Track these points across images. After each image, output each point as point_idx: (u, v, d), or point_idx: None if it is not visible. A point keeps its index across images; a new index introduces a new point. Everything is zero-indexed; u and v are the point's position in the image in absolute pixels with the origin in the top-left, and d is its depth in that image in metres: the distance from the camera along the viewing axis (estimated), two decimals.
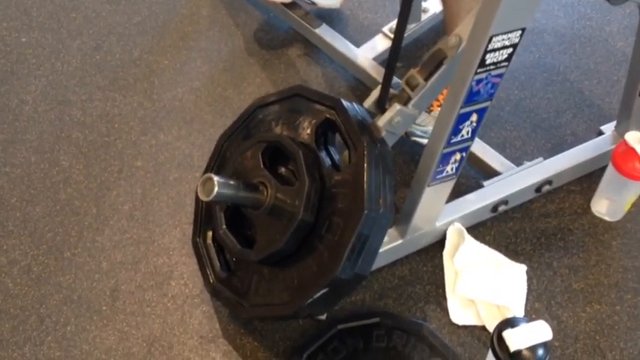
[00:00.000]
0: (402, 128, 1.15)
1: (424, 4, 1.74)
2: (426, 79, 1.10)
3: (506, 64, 1.03)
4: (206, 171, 1.27)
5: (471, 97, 1.06)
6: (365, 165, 1.05)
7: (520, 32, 0.98)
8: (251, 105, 1.25)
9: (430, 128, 1.36)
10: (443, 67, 1.08)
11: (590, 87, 1.63)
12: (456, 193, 1.33)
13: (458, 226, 1.33)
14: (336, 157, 1.15)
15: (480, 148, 1.45)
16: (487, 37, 0.96)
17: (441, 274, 1.31)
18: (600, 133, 1.50)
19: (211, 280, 1.20)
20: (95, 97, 1.63)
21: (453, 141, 1.13)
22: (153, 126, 1.57)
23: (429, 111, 1.41)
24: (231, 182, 1.06)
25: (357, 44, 1.69)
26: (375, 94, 1.16)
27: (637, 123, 1.39)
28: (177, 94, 1.64)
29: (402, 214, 1.29)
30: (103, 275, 1.32)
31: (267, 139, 1.15)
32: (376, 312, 1.24)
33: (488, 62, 1.01)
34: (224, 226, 1.14)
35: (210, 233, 1.23)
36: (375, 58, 1.65)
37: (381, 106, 1.15)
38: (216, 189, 1.01)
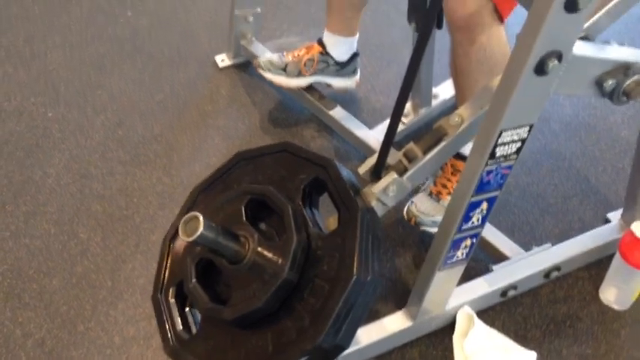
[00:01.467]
0: (394, 200, 1.13)
1: (435, 90, 1.81)
2: (425, 153, 1.11)
3: (515, 156, 1.08)
4: (174, 226, 1.19)
5: (482, 187, 1.10)
6: (358, 228, 1.00)
7: (528, 128, 1.04)
8: (233, 157, 1.19)
9: (439, 218, 1.38)
10: (442, 144, 1.10)
11: (596, 174, 1.68)
12: (466, 277, 1.35)
13: (468, 310, 1.34)
14: (319, 220, 1.10)
15: (489, 232, 1.48)
16: (497, 131, 1.01)
17: (450, 357, 1.31)
18: (607, 220, 1.53)
19: (171, 343, 1.09)
20: (116, 172, 1.68)
21: (463, 227, 1.16)
22: (170, 201, 1.61)
23: (438, 199, 1.45)
24: (216, 226, 0.99)
25: (370, 126, 1.75)
26: (370, 162, 1.15)
27: None
28: (195, 170, 1.70)
29: (412, 297, 1.30)
30: (115, 350, 1.33)
31: (252, 191, 1.08)
32: None
33: (498, 155, 1.05)
34: (194, 280, 1.05)
35: (173, 290, 1.14)
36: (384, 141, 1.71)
37: (376, 173, 1.13)
38: (201, 229, 0.94)
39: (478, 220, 1.17)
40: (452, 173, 1.44)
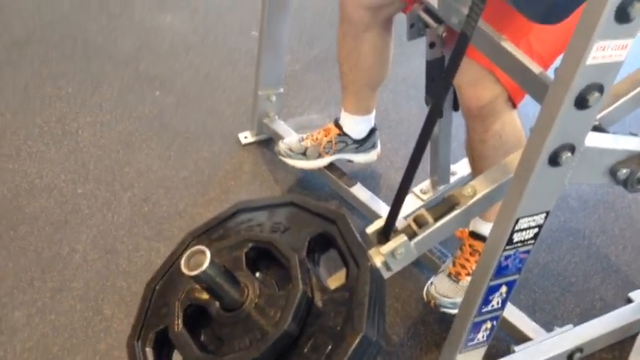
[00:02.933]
0: (400, 264, 1.12)
1: (453, 167, 1.85)
2: (436, 220, 1.11)
3: (532, 241, 1.10)
4: (161, 270, 1.15)
5: (500, 271, 1.12)
6: (368, 284, 0.97)
7: (545, 215, 1.06)
8: (233, 206, 1.16)
9: (459, 300, 1.39)
10: (454, 213, 1.11)
11: (616, 252, 1.68)
12: (487, 357, 1.34)
13: None
14: (322, 277, 1.07)
15: (510, 312, 1.48)
16: (514, 219, 1.03)
17: None
18: (629, 300, 1.53)
19: None
20: (141, 247, 1.72)
21: (483, 310, 1.17)
22: None
23: (457, 280, 1.46)
24: (220, 265, 0.95)
25: (390, 203, 1.77)
26: (378, 223, 1.14)
27: None
28: None
29: None
30: None
31: (255, 238, 1.04)
32: None
33: (515, 240, 1.07)
34: (182, 326, 0.99)
35: (152, 336, 1.08)
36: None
37: (385, 235, 1.12)
38: (206, 264, 0.90)
39: (498, 303, 1.18)
40: (470, 254, 1.46)
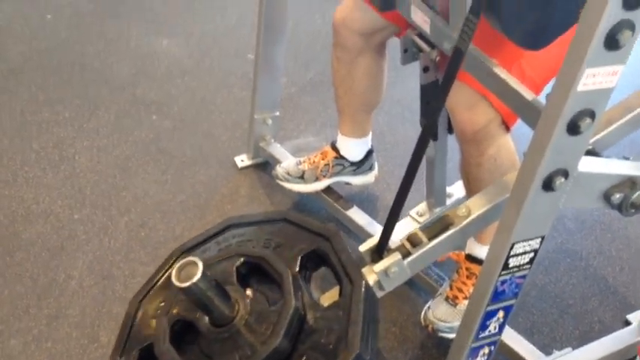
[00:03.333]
0: (392, 284, 1.09)
1: (449, 190, 1.85)
2: (430, 239, 1.09)
3: (528, 266, 1.10)
4: (147, 285, 1.12)
5: (497, 297, 1.11)
6: (362, 302, 0.96)
7: (540, 239, 1.06)
8: (223, 222, 1.14)
9: (456, 324, 1.39)
10: (448, 232, 1.09)
11: (614, 274, 1.68)
12: None
13: None
14: (313, 294, 1.05)
15: (508, 335, 1.47)
16: (509, 244, 1.03)
17: None
18: (627, 322, 1.52)
19: None
20: (137, 273, 1.72)
21: (480, 336, 1.16)
22: None
23: (455, 304, 1.45)
24: (211, 278, 0.92)
25: None
26: (372, 242, 1.11)
27: None
28: None
29: None
30: None
31: (247, 253, 1.03)
32: None
33: (511, 265, 1.07)
34: (168, 342, 0.96)
35: (136, 353, 1.05)
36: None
37: (378, 253, 1.09)
38: (197, 276, 0.88)
39: (495, 328, 1.17)
40: (467, 277, 1.45)
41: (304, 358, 0.94)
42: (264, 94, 1.96)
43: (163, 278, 1.13)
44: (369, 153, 1.82)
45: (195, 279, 0.88)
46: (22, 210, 1.89)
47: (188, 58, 2.53)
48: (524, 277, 1.11)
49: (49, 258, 1.75)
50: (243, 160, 2.08)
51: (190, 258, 0.91)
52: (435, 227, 1.11)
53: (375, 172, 1.86)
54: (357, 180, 1.85)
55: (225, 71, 2.46)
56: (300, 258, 1.04)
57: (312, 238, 1.07)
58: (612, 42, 0.82)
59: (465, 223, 1.10)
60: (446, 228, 1.10)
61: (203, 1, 2.89)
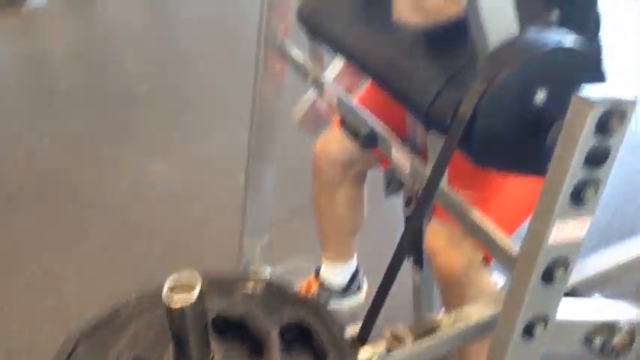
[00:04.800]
0: None
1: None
2: (415, 340, 1.01)
3: None
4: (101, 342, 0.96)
5: None
6: None
7: None
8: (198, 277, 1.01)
9: None
10: (431, 336, 1.03)
11: None
12: None
13: None
14: None
15: None
16: None
17: None
18: None
19: None
20: None
21: None
22: None
23: None
24: (206, 309, 0.82)
25: None
26: (355, 328, 1.03)
27: None
28: None
29: None
30: None
31: (226, 310, 0.93)
32: None
33: None
34: None
35: None
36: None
37: (362, 339, 1.02)
38: (195, 294, 0.76)
39: None
40: None
41: None
42: (254, 219, 1.98)
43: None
44: (355, 275, 1.81)
45: (192, 299, 0.76)
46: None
47: (179, 182, 2.58)
48: None
49: None
50: None
51: (190, 271, 0.76)
52: (420, 327, 1.04)
53: (364, 290, 1.84)
54: (346, 303, 1.83)
55: (215, 195, 2.51)
56: (279, 332, 0.94)
57: (295, 309, 0.98)
58: (578, 198, 0.86)
59: (449, 331, 1.04)
60: (431, 331, 1.03)
61: (196, 123, 2.99)
